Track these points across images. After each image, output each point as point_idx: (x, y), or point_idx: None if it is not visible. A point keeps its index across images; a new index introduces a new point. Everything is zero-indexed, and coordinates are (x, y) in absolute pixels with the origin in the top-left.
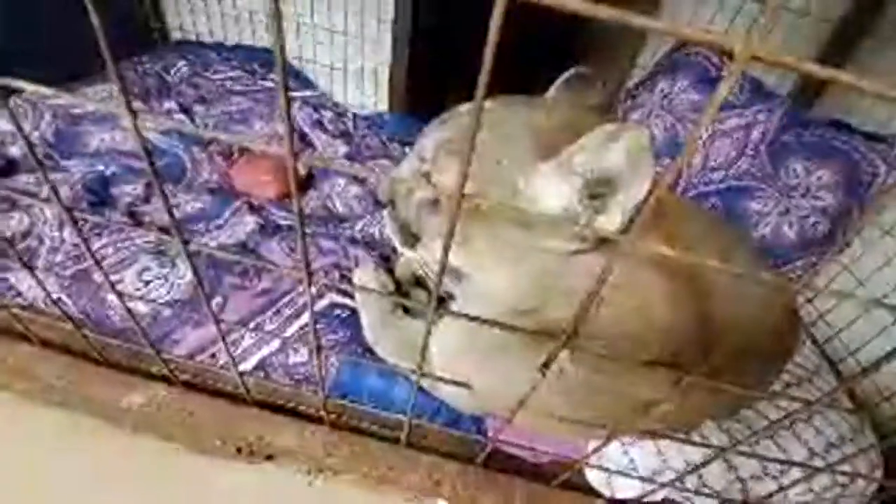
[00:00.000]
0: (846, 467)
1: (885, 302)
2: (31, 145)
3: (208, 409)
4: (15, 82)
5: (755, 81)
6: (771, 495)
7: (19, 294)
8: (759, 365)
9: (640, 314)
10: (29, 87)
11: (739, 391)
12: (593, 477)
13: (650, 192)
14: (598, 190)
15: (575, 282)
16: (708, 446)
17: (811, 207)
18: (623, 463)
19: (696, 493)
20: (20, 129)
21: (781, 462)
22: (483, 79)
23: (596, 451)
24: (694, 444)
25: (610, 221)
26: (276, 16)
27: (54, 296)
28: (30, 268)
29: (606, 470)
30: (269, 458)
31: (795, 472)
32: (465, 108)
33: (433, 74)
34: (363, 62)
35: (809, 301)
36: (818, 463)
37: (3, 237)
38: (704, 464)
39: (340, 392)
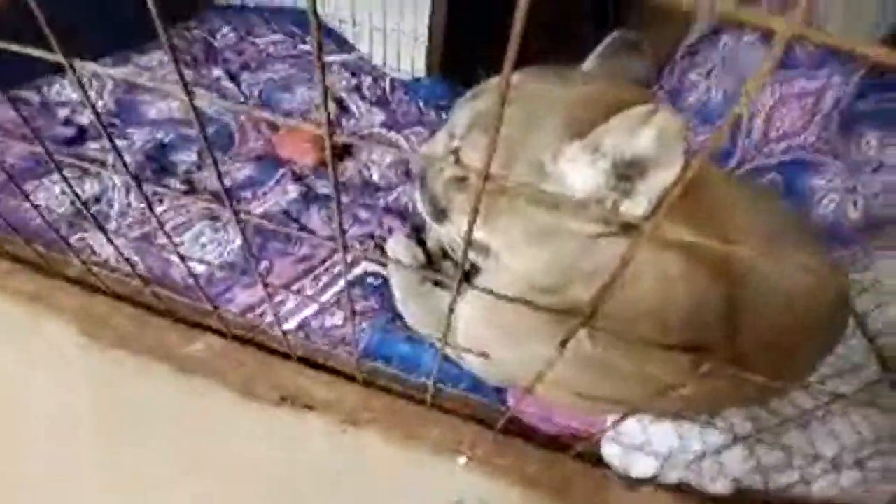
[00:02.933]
0: (877, 464)
1: None
2: (98, 115)
3: (257, 360)
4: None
5: None
6: (793, 485)
7: (94, 252)
8: (794, 356)
9: (662, 293)
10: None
11: (762, 381)
12: (608, 452)
13: (680, 177)
14: (627, 172)
15: (598, 264)
16: (729, 431)
17: (882, 185)
18: (640, 440)
19: (713, 478)
20: (88, 99)
21: (807, 454)
22: (510, 55)
23: (614, 425)
24: (716, 427)
25: (636, 206)
26: None
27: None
28: (103, 229)
29: (623, 444)
30: (309, 407)
31: (822, 464)
32: (496, 80)
33: (472, 38)
34: (402, 24)
35: (865, 290)
36: (848, 459)
37: (80, 200)
38: (725, 448)
39: (372, 355)
